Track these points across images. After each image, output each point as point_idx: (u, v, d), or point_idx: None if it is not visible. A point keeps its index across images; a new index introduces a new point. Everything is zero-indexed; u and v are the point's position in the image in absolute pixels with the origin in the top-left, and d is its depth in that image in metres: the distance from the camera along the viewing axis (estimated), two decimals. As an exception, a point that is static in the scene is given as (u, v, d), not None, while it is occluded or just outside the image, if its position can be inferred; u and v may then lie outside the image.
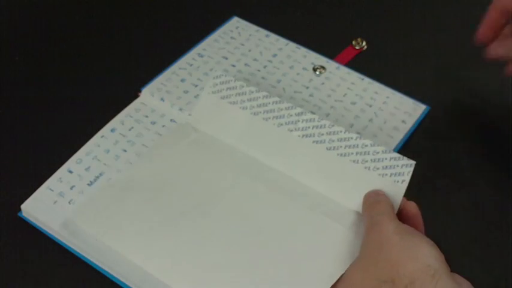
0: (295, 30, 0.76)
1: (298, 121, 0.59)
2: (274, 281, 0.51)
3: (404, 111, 0.68)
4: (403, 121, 0.66)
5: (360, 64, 0.73)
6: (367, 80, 0.70)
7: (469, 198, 0.61)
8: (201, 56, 0.72)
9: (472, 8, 0.82)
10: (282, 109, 0.60)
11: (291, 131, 0.59)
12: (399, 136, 0.65)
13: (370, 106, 0.67)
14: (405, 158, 0.55)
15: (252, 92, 0.61)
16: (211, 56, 0.72)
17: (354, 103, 0.68)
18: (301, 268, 0.52)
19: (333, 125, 0.58)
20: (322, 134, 0.58)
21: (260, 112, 0.61)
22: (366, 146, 0.56)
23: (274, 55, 0.73)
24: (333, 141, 0.58)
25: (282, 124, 0.60)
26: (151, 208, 0.56)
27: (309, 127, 0.59)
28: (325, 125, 0.58)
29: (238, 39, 0.74)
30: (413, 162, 0.54)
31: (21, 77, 0.71)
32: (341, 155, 0.57)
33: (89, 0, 0.80)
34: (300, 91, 0.68)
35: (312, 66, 0.71)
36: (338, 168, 0.57)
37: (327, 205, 0.56)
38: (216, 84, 0.63)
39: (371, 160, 0.56)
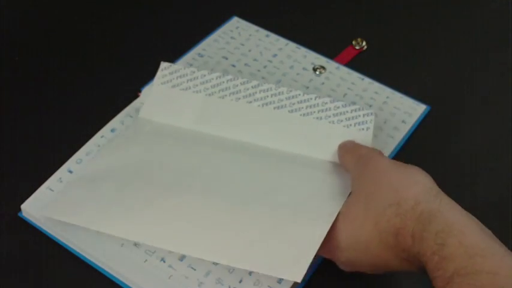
0: (295, 30, 0.76)
1: (256, 92, 0.60)
2: (275, 232, 0.51)
3: (404, 111, 0.68)
4: (403, 121, 0.66)
5: (360, 64, 0.73)
6: (367, 80, 0.70)
7: (469, 198, 0.61)
8: (201, 56, 0.72)
9: (472, 8, 0.82)
10: (237, 85, 0.61)
11: (250, 102, 0.60)
12: (399, 136, 0.65)
13: (370, 106, 0.67)
14: (364, 108, 0.59)
15: (204, 75, 0.62)
16: (211, 56, 0.72)
17: (353, 103, 0.68)
18: (297, 216, 0.52)
19: (290, 90, 0.60)
20: (282, 100, 0.60)
21: (215, 92, 0.61)
22: (326, 103, 0.59)
23: (274, 55, 0.73)
24: (293, 104, 0.60)
25: (239, 98, 0.61)
26: (129, 190, 0.55)
27: (267, 96, 0.60)
28: (283, 91, 0.60)
29: (238, 39, 0.74)
30: (372, 111, 0.58)
31: (21, 77, 0.71)
32: (304, 114, 0.59)
33: (89, 1, 0.80)
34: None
35: (312, 66, 0.71)
36: (303, 127, 0.59)
37: (301, 159, 0.57)
38: (165, 75, 0.63)
39: (333, 115, 0.59)
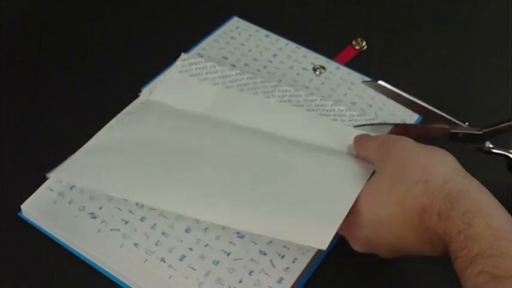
0: (295, 30, 0.76)
1: (274, 91, 0.61)
2: (299, 203, 0.50)
3: (404, 112, 0.67)
4: (403, 121, 0.66)
5: (360, 64, 0.73)
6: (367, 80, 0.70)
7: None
8: (201, 56, 0.72)
9: (472, 8, 0.82)
10: (256, 82, 0.61)
11: (268, 97, 0.60)
12: (399, 136, 0.65)
13: (370, 106, 0.67)
14: (379, 121, 0.59)
15: (224, 71, 0.62)
16: (211, 56, 0.72)
17: (353, 103, 0.68)
18: (320, 192, 0.51)
19: (309, 95, 0.61)
20: (300, 101, 0.61)
21: (233, 86, 0.61)
22: (342, 110, 0.61)
23: (274, 55, 0.73)
24: (310, 106, 0.60)
25: (257, 93, 0.61)
26: (147, 161, 0.55)
27: (285, 95, 0.61)
28: (301, 94, 0.61)
29: (238, 39, 0.74)
30: (391, 128, 0.58)
31: (21, 77, 0.71)
32: (321, 115, 0.60)
33: (89, 1, 0.80)
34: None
35: (312, 66, 0.71)
36: (319, 123, 0.59)
37: (318, 147, 0.58)
38: (184, 65, 0.63)
39: (348, 120, 0.60)
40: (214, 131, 0.59)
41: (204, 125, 0.59)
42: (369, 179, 0.51)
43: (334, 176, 0.54)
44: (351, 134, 0.58)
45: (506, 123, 0.55)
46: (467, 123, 0.57)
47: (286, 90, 0.61)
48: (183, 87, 0.62)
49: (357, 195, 0.49)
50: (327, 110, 0.61)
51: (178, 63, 0.63)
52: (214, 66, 0.62)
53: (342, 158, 0.56)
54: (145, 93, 0.67)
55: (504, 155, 0.56)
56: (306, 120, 0.60)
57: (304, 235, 0.48)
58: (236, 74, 0.62)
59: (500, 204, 0.43)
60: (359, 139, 0.56)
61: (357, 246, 0.50)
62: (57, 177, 0.54)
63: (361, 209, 0.48)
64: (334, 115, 0.60)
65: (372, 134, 0.58)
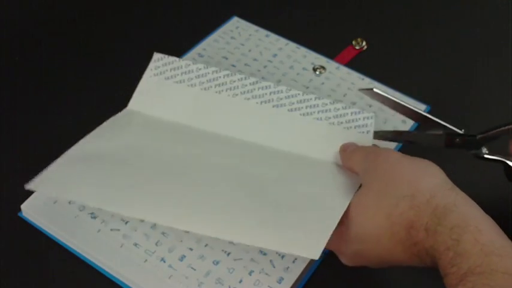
0: (295, 30, 0.76)
1: (254, 89, 0.59)
2: (290, 214, 0.50)
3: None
4: (403, 121, 0.66)
5: (360, 64, 0.73)
6: (367, 80, 0.70)
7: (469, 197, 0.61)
8: (201, 56, 0.72)
9: (472, 8, 0.82)
10: (234, 81, 0.59)
11: (248, 99, 0.58)
12: (399, 136, 0.65)
13: (370, 106, 0.67)
14: (364, 110, 0.57)
15: (200, 69, 0.59)
16: (211, 56, 0.72)
17: (354, 103, 0.68)
18: (305, 209, 0.50)
19: (290, 89, 0.59)
20: (281, 99, 0.58)
21: (211, 87, 0.59)
22: (326, 104, 0.58)
23: (274, 55, 0.73)
24: (293, 103, 0.58)
25: (237, 94, 0.59)
26: (127, 171, 0.53)
27: (266, 94, 0.59)
28: (282, 90, 0.59)
29: (238, 39, 0.74)
30: (372, 114, 0.57)
31: (21, 77, 0.71)
32: (303, 114, 0.58)
33: (89, 1, 0.80)
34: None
35: (312, 66, 0.71)
36: (303, 127, 0.57)
37: (301, 159, 0.56)
38: (158, 67, 0.60)
39: (333, 116, 0.58)
40: (194, 140, 0.57)
41: (184, 134, 0.58)
42: (357, 191, 0.50)
43: (323, 187, 0.53)
44: (336, 135, 0.57)
45: (502, 128, 0.55)
46: (463, 130, 0.57)
47: (266, 87, 0.59)
48: (158, 92, 0.60)
49: (345, 207, 0.48)
50: (310, 106, 0.58)
51: (152, 64, 0.61)
52: (189, 65, 0.60)
53: (325, 170, 0.55)
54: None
55: (501, 161, 0.55)
56: (288, 125, 0.58)
57: (295, 245, 0.47)
58: (213, 72, 0.59)
59: (488, 217, 0.43)
60: (344, 149, 0.56)
61: (345, 260, 0.50)
62: (35, 189, 0.52)
63: (349, 223, 0.47)
64: (319, 111, 0.58)
65: (358, 142, 0.56)
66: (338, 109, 0.58)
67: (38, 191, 0.53)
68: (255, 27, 0.76)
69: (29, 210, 0.57)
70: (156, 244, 0.54)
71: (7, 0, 0.80)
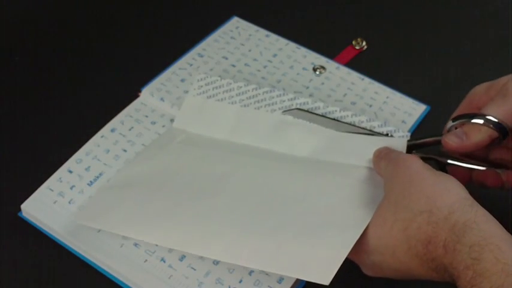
0: (295, 30, 0.76)
1: (292, 105, 0.61)
2: (305, 236, 0.49)
3: (404, 111, 0.67)
4: (403, 121, 0.66)
5: (360, 64, 0.73)
6: (367, 80, 0.70)
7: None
8: (201, 56, 0.72)
9: (472, 8, 0.82)
10: (273, 97, 0.62)
11: (285, 115, 0.61)
12: (399, 136, 0.65)
13: (370, 106, 0.67)
14: (400, 130, 0.58)
15: (241, 87, 0.63)
16: (211, 56, 0.72)
17: (353, 103, 0.68)
18: (328, 222, 0.50)
19: (327, 106, 0.60)
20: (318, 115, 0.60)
21: (251, 103, 0.62)
22: (362, 122, 0.60)
23: (274, 55, 0.73)
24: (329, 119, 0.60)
25: (275, 110, 0.61)
26: (157, 196, 0.55)
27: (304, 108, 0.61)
28: (319, 106, 0.61)
29: (238, 39, 0.74)
30: (408, 134, 0.57)
31: (21, 77, 0.71)
32: (339, 130, 0.59)
33: (89, 1, 0.80)
34: (300, 91, 0.68)
35: (312, 66, 0.71)
36: (338, 139, 0.58)
37: (335, 167, 0.57)
38: (201, 86, 0.64)
39: (368, 133, 0.59)
40: (233, 157, 0.59)
41: (223, 151, 0.60)
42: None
43: (345, 202, 0.52)
44: (372, 143, 0.56)
45: (427, 139, 0.55)
46: (390, 135, 0.58)
47: (304, 103, 0.61)
48: (201, 111, 0.63)
49: (365, 225, 0.48)
50: (346, 122, 0.60)
51: (195, 84, 0.64)
52: (230, 83, 0.63)
53: (357, 178, 0.55)
54: (146, 93, 0.67)
55: (432, 158, 0.54)
56: (324, 137, 0.59)
57: (306, 270, 0.47)
58: (253, 89, 0.62)
59: (509, 235, 0.41)
60: (375, 156, 0.55)
61: (365, 271, 0.49)
62: (81, 221, 0.55)
63: (367, 237, 0.47)
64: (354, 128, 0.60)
65: (393, 146, 0.56)
66: (374, 127, 0.60)
67: (81, 223, 0.55)
68: (255, 27, 0.76)
69: (29, 210, 0.57)
70: (156, 244, 0.54)
71: (7, 0, 0.80)
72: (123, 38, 0.76)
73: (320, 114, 0.60)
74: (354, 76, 0.71)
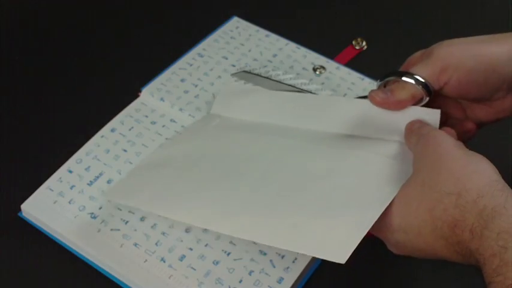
0: (295, 30, 0.76)
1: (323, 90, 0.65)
2: (324, 215, 0.48)
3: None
4: (403, 121, 0.66)
5: (360, 64, 0.73)
6: (367, 80, 0.70)
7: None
8: (201, 56, 0.72)
9: (472, 8, 0.82)
10: (311, 90, 0.65)
11: (233, 77, 0.65)
12: (399, 136, 0.65)
13: (370, 106, 0.67)
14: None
15: (279, 75, 0.67)
16: (211, 56, 0.72)
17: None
18: (350, 199, 0.49)
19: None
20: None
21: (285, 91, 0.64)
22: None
23: (274, 55, 0.73)
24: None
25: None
26: (185, 176, 0.56)
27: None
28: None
29: (238, 39, 0.74)
30: (439, 110, 0.53)
31: (21, 77, 0.71)
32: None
33: (90, 1, 0.80)
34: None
35: (312, 66, 0.71)
36: (371, 112, 0.55)
37: (366, 143, 0.55)
38: (236, 77, 0.67)
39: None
40: (263, 138, 0.59)
41: (254, 132, 0.60)
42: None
43: (373, 176, 0.51)
44: (403, 115, 0.54)
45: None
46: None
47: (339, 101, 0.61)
48: (236, 96, 0.64)
49: (390, 199, 0.46)
50: None
51: (233, 74, 0.68)
52: (268, 71, 0.67)
53: (387, 154, 0.53)
54: (146, 93, 0.67)
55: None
56: (358, 111, 0.57)
57: (322, 249, 0.46)
58: (290, 79, 0.66)
59: None
60: (407, 129, 0.53)
61: (390, 248, 0.48)
62: (109, 198, 0.57)
63: (392, 214, 0.46)
64: None
65: (425, 119, 0.53)
66: None
67: (110, 199, 0.57)
68: (255, 27, 0.76)
69: (29, 210, 0.57)
70: (156, 244, 0.54)
71: (8, 0, 0.80)
72: (123, 38, 0.76)
73: (264, 76, 0.65)
74: (354, 76, 0.71)
